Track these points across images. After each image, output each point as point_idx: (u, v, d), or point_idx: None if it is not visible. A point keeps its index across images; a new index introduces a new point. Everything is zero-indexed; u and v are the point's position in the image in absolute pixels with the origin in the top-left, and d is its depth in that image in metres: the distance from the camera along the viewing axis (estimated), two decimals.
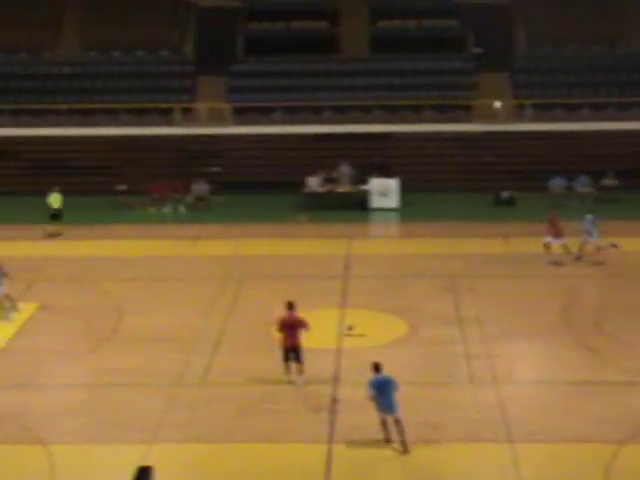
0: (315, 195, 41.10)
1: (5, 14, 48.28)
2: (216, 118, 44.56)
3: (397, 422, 20.96)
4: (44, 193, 40.34)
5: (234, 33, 48.37)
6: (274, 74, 47.12)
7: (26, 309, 29.51)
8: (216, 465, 20.71)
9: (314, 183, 41.27)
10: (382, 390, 21.01)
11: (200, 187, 41.71)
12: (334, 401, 22.89)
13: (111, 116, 44.75)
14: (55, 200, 37.74)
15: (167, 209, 41.04)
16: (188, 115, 44.90)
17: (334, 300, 30.03)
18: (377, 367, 21.38)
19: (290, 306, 24.21)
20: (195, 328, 28.02)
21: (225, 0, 49.34)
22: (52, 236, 37.10)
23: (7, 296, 28.75)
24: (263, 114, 45.14)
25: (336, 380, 24.22)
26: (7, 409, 23.19)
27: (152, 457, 20.49)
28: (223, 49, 47.92)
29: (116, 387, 24.42)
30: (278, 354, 24.21)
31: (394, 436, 21.00)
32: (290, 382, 23.97)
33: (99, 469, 20.64)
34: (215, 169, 43.47)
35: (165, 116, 44.83)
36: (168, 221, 39.87)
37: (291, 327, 23.93)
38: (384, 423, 21.10)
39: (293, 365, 24.02)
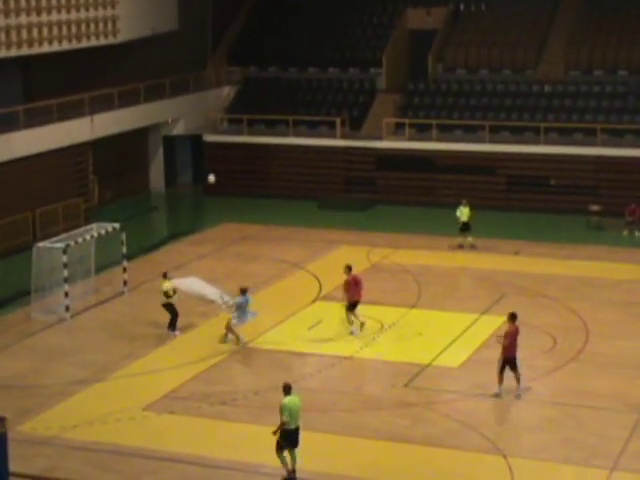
0: None
1: (493, 35, 49.47)
2: None
3: None
4: (518, 209, 41.46)
5: None
6: None
7: (494, 322, 30.10)
8: None
9: None
10: None
11: None
12: None
13: (589, 136, 44.39)
14: (463, 213, 38.12)
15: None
16: None
17: None
18: None
19: (514, 317, 24.99)
20: None
21: None
22: (461, 248, 38.04)
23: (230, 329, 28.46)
24: None
25: None
26: (473, 418, 23.76)
27: None
28: None
29: (580, 408, 24.22)
30: None
31: None
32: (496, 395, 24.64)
33: None
34: None
35: None
36: None
37: (515, 338, 24.77)
38: None
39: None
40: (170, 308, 29.46)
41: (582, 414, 23.93)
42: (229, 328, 28.53)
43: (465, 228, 38.19)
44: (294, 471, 20.89)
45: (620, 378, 25.73)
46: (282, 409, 20.64)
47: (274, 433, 20.70)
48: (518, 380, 24.78)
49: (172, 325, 29.42)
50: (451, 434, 23.01)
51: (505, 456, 21.69)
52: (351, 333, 29.24)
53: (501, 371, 24.80)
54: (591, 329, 29.32)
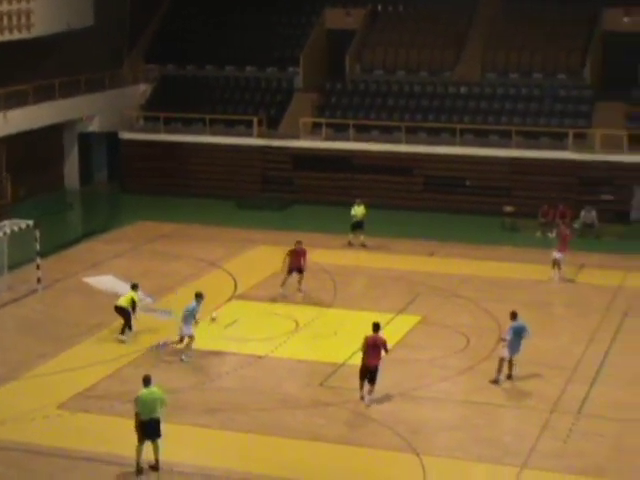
0: None
1: (411, 36, 49.78)
2: (611, 145, 43.58)
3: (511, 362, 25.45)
4: (434, 209, 41.92)
5: (636, 58, 47.07)
6: None
7: (408, 321, 30.37)
8: None
9: None
10: (517, 335, 25.27)
11: (589, 214, 41.06)
12: None
13: (504, 138, 44.93)
14: (357, 211, 38.81)
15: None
16: (582, 141, 44.20)
17: None
18: (514, 315, 25.59)
19: (376, 327, 24.66)
20: (575, 356, 27.68)
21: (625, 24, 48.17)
22: (350, 246, 38.73)
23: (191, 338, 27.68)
24: None
25: None
26: (387, 417, 23.91)
27: None
28: (624, 74, 46.75)
29: (493, 407, 24.55)
30: None
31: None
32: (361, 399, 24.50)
33: None
34: (606, 197, 42.56)
35: (558, 141, 44.44)
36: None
37: (374, 347, 24.32)
38: (510, 362, 25.35)
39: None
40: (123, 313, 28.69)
41: (495, 412, 24.27)
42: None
43: (358, 226, 38.71)
44: (157, 461, 21.21)
45: (533, 377, 26.08)
46: (135, 400, 21.12)
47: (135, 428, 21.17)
48: (370, 391, 24.48)
49: (124, 329, 28.62)
50: (366, 433, 23.15)
51: (418, 454, 21.88)
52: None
53: (360, 377, 24.56)
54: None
